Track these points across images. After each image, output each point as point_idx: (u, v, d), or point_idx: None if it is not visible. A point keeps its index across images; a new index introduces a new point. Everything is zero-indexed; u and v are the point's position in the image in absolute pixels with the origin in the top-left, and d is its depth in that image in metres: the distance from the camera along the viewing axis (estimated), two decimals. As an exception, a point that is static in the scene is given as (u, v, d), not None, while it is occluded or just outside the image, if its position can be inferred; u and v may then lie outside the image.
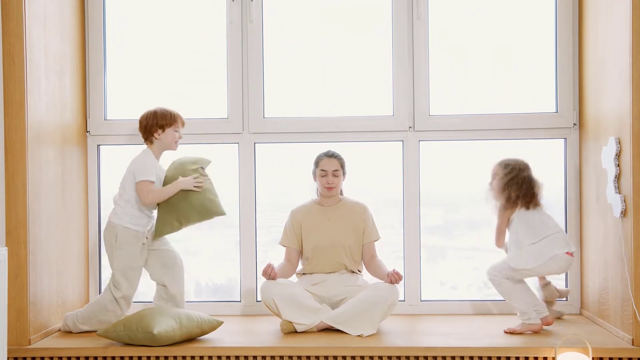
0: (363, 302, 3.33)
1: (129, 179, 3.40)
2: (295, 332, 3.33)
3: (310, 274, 3.58)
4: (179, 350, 3.13)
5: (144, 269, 3.47)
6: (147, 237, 3.43)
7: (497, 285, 3.36)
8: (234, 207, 3.90)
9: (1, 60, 3.19)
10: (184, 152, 3.92)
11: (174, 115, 3.47)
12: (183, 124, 3.52)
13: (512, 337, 3.24)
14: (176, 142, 3.49)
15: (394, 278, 3.37)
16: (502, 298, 3.79)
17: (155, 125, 3.42)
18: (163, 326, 3.12)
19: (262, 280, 3.47)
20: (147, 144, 3.47)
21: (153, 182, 3.37)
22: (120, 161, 3.93)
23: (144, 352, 3.13)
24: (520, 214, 3.35)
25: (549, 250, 3.28)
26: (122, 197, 3.41)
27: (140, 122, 3.47)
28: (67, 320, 3.43)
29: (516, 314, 3.36)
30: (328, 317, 3.34)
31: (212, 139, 3.88)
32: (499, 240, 3.45)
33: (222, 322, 3.34)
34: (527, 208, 3.34)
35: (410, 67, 3.81)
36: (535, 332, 3.29)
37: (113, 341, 3.19)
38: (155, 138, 3.44)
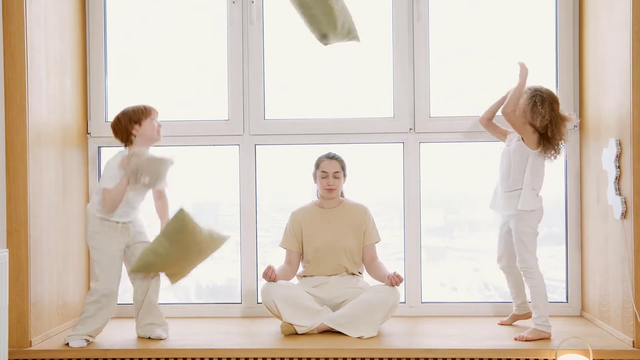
0: (364, 304, 3.33)
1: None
2: (296, 333, 3.33)
3: (311, 276, 3.58)
4: (179, 353, 3.14)
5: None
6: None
7: (531, 276, 3.25)
8: (234, 209, 3.91)
9: (2, 62, 3.19)
10: (185, 153, 3.93)
11: (147, 107, 3.33)
12: (157, 113, 3.36)
13: (513, 339, 3.23)
14: (158, 132, 3.34)
15: (394, 280, 3.37)
16: (502, 300, 3.78)
17: (130, 122, 3.29)
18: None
19: (262, 281, 3.48)
20: (127, 146, 3.33)
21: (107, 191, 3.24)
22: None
23: (144, 354, 3.14)
24: (536, 158, 3.28)
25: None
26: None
27: (114, 126, 3.32)
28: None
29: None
30: (329, 319, 3.34)
31: (213, 140, 3.88)
32: (510, 105, 3.26)
33: (229, 236, 3.32)
34: (549, 153, 3.27)
35: (410, 68, 3.82)
36: (543, 340, 3.21)
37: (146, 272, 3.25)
38: (135, 135, 3.31)
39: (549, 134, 3.24)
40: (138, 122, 3.31)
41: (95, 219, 3.28)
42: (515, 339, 3.21)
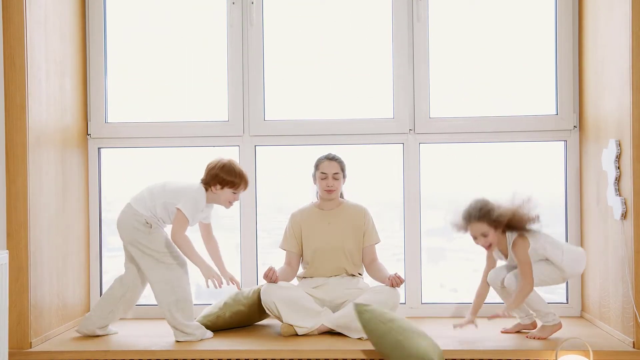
0: (364, 305, 3.33)
1: (172, 199, 3.27)
2: (296, 335, 3.33)
3: (311, 277, 3.58)
4: (179, 354, 3.14)
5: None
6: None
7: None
8: (234, 210, 3.90)
9: (2, 63, 3.19)
10: (185, 154, 3.93)
11: (240, 176, 3.31)
12: (246, 188, 3.35)
13: (513, 340, 3.24)
14: (230, 203, 3.35)
15: (395, 282, 3.37)
16: (501, 301, 3.78)
17: (216, 178, 3.29)
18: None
19: (262, 282, 3.47)
20: (204, 186, 3.33)
21: (188, 222, 3.26)
22: (120, 164, 3.94)
23: (143, 355, 3.14)
24: (534, 237, 3.22)
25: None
26: (159, 201, 3.28)
27: (209, 167, 3.33)
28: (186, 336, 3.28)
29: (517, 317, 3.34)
30: (329, 320, 3.34)
31: (213, 141, 3.88)
32: (530, 278, 3.17)
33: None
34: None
35: (410, 69, 3.82)
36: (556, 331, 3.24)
37: None
38: (212, 191, 3.32)
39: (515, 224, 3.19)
40: (222, 185, 3.30)
41: (150, 218, 3.27)
42: (527, 337, 3.24)
